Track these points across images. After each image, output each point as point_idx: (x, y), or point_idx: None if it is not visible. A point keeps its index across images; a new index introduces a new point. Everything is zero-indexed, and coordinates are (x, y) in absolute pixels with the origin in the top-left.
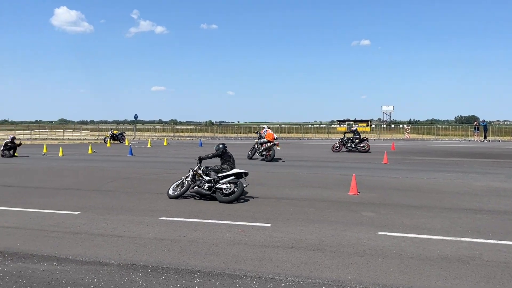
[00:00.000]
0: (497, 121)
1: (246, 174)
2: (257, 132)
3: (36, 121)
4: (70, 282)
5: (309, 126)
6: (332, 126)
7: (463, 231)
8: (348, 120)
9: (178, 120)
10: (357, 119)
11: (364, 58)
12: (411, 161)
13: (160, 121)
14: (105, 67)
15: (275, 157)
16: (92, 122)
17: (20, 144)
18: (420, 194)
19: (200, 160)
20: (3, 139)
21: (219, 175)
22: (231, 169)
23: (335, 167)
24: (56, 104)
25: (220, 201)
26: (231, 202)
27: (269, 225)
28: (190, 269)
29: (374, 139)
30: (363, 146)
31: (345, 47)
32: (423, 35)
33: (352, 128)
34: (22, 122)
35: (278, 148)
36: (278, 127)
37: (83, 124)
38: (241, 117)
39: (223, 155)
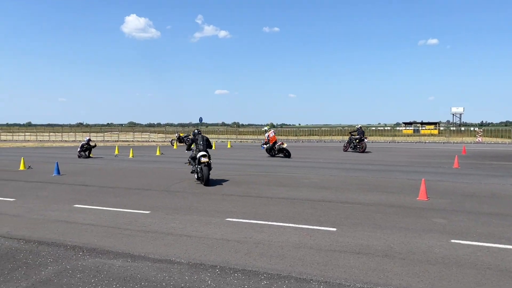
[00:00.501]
0: None
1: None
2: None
3: (108, 124)
4: (144, 279)
5: (373, 128)
6: (398, 128)
7: None
8: (415, 123)
9: (240, 123)
10: (424, 121)
11: (432, 57)
12: (485, 166)
13: (223, 124)
14: (171, 71)
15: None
16: (159, 124)
17: (95, 145)
18: (495, 200)
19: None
20: (79, 140)
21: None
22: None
23: (402, 171)
24: (125, 107)
25: None
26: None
27: (334, 229)
28: (257, 270)
29: (443, 142)
30: (360, 146)
31: (411, 47)
32: (495, 32)
33: (357, 127)
34: (95, 125)
35: (284, 145)
36: (341, 130)
37: (151, 127)
38: (302, 119)
39: (196, 141)
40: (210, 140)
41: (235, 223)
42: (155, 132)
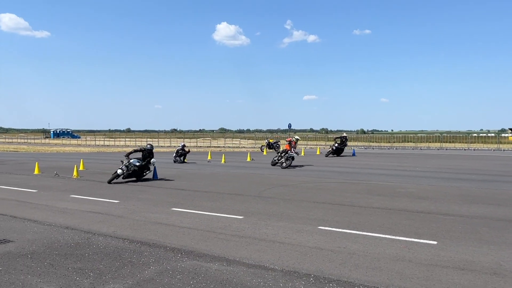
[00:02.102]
0: None
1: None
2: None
3: (200, 130)
4: (239, 284)
5: (474, 135)
6: (503, 135)
7: None
8: None
9: (329, 129)
10: None
11: None
12: None
13: (311, 130)
14: (260, 77)
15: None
16: (248, 131)
17: (189, 151)
18: None
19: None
20: (175, 146)
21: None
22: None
23: (511, 182)
24: (216, 113)
25: None
26: None
27: (435, 242)
28: (352, 282)
29: None
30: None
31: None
32: None
33: (342, 135)
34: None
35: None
36: (439, 136)
37: (240, 133)
38: (395, 125)
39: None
40: (299, 147)
41: (328, 232)
42: (245, 138)
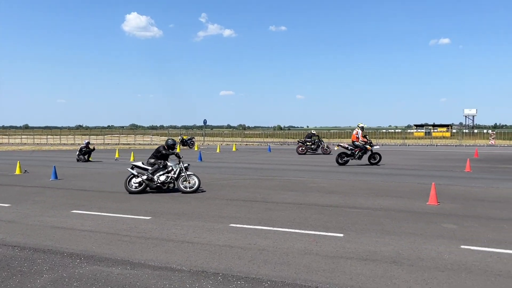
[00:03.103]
0: None
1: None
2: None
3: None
4: (143, 287)
5: (383, 131)
6: (409, 131)
7: None
8: (427, 125)
9: (246, 125)
10: (436, 123)
11: (444, 57)
12: (498, 170)
13: (229, 126)
14: (174, 71)
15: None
16: (161, 127)
17: (94, 149)
18: (508, 206)
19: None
20: (79, 143)
21: None
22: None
23: (413, 175)
24: (127, 109)
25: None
26: None
27: (341, 235)
28: (261, 278)
29: (455, 145)
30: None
31: (422, 47)
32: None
33: (312, 132)
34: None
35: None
36: (350, 132)
37: (153, 129)
38: (311, 121)
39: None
40: (215, 143)
41: (239, 229)
42: (157, 135)
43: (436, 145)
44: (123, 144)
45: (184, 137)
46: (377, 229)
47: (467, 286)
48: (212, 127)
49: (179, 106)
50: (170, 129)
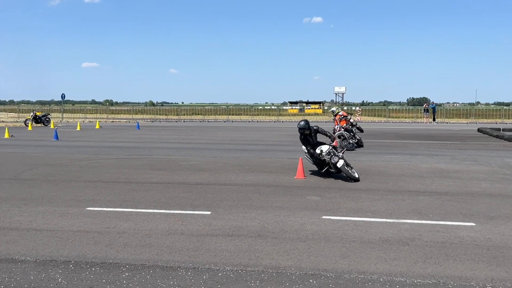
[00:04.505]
0: (447, 103)
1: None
2: None
3: None
4: None
5: (260, 108)
6: (284, 108)
7: (406, 213)
8: (300, 102)
9: (114, 101)
10: (309, 100)
11: (317, 36)
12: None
13: (94, 102)
14: (26, 39)
15: None
16: (11, 102)
17: None
18: (367, 177)
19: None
20: None
21: None
22: None
23: (285, 151)
24: None
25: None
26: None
27: (209, 212)
28: (118, 262)
29: (325, 122)
30: None
31: (296, 24)
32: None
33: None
34: None
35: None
36: (225, 109)
37: (0, 105)
38: (186, 97)
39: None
40: (75, 120)
41: (97, 213)
42: (5, 110)
43: None
44: None
45: (38, 114)
46: (245, 204)
47: (324, 254)
48: (73, 103)
49: (33, 79)
50: (22, 104)
